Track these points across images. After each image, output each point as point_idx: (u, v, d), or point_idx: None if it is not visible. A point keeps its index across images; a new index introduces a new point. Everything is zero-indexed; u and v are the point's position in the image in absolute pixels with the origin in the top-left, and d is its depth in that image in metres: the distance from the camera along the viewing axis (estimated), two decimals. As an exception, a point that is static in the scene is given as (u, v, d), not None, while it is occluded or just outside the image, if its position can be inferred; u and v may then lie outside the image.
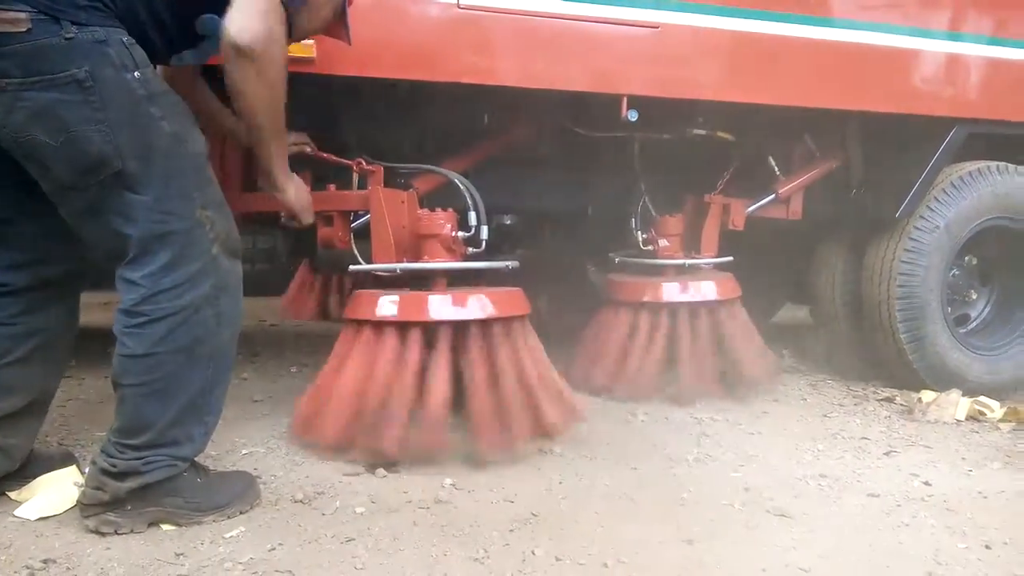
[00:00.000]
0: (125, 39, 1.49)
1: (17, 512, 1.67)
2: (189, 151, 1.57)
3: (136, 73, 1.49)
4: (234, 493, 1.72)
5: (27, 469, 1.76)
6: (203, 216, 1.58)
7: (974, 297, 3.19)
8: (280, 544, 1.58)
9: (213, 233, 1.60)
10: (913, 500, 1.93)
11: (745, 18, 2.50)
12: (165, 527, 1.62)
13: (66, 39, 1.41)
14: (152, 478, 1.58)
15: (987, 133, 2.94)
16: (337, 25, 1.83)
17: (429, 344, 2.07)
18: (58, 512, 1.68)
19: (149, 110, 1.50)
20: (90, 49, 1.44)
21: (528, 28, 2.30)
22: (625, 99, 2.42)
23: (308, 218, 2.00)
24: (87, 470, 1.65)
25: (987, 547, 1.68)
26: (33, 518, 1.65)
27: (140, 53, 1.51)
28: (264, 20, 1.51)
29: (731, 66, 2.53)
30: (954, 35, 2.76)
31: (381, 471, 1.98)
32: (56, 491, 1.72)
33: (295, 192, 1.89)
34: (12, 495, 1.74)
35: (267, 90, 1.57)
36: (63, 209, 1.55)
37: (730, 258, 2.94)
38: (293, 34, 1.66)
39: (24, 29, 1.38)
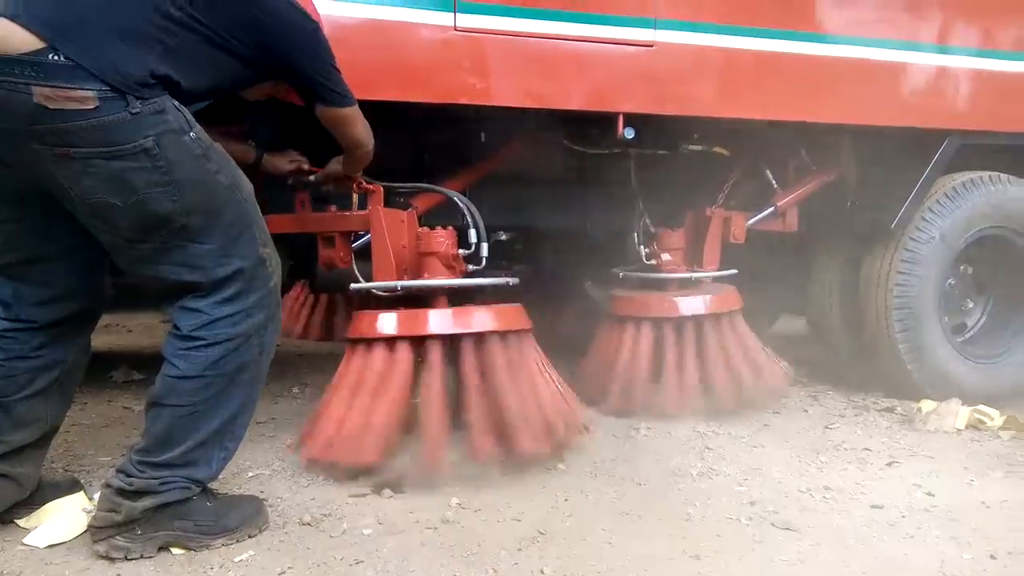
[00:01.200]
0: (176, 103, 1.55)
1: (26, 540, 1.67)
2: (243, 196, 1.65)
3: (192, 134, 1.56)
4: (243, 517, 1.72)
5: (35, 496, 1.76)
6: (265, 253, 1.67)
7: (970, 306, 3.22)
8: (289, 567, 1.59)
9: (271, 267, 1.69)
10: (917, 511, 1.94)
11: (738, 35, 2.53)
12: (175, 551, 1.63)
13: (132, 114, 1.46)
14: (166, 498, 1.60)
15: (979, 144, 2.97)
16: None
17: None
18: (67, 539, 1.68)
19: (207, 166, 1.58)
20: (154, 119, 1.49)
21: (524, 48, 2.32)
22: (622, 117, 2.45)
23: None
24: (99, 493, 1.66)
25: (992, 557, 1.69)
26: (42, 546, 1.65)
27: (188, 113, 1.57)
28: (368, 126, 1.98)
29: (725, 83, 2.56)
30: (945, 48, 2.79)
31: (387, 492, 1.98)
32: (64, 518, 1.73)
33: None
34: (20, 523, 1.74)
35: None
36: (121, 259, 1.62)
37: (735, 271, 2.95)
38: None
39: (92, 107, 1.43)
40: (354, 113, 1.91)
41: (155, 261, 1.58)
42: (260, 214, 1.70)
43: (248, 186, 1.69)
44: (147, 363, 3.23)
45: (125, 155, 1.47)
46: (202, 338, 1.60)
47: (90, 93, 1.42)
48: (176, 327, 1.63)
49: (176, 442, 1.61)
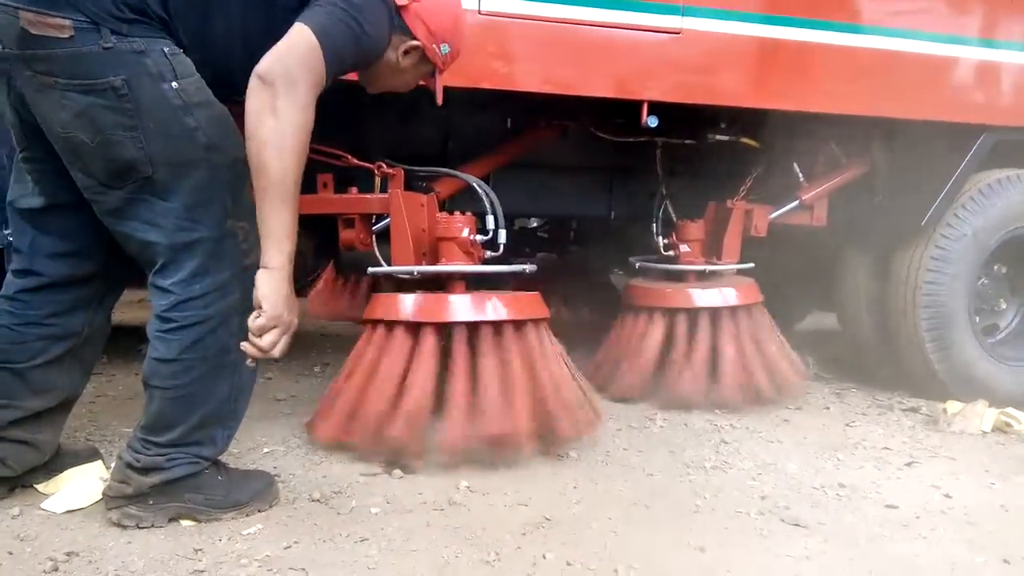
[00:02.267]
0: (167, 49, 1.51)
1: (44, 505, 1.71)
2: (224, 162, 1.58)
3: (174, 84, 1.51)
4: (253, 491, 1.75)
5: (54, 463, 1.80)
6: (235, 226, 1.60)
7: (1003, 307, 3.14)
8: (296, 542, 1.61)
9: (247, 244, 1.61)
10: (932, 512, 1.91)
11: (768, 24, 2.49)
12: (185, 523, 1.66)
13: (104, 48, 1.45)
14: (174, 474, 1.62)
15: (1016, 140, 2.89)
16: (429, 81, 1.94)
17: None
18: (83, 506, 1.72)
19: (184, 120, 1.52)
20: (127, 59, 1.47)
21: (549, 34, 2.31)
22: (646, 105, 2.42)
23: (267, 336, 1.53)
24: (113, 464, 1.70)
25: (1006, 561, 1.66)
26: (59, 511, 1.70)
27: (184, 64, 1.53)
28: (298, 64, 1.51)
29: (754, 72, 2.52)
30: (982, 42, 2.72)
31: (398, 472, 2.00)
32: (82, 485, 1.77)
33: (273, 286, 1.52)
34: (39, 487, 1.79)
35: (276, 132, 1.48)
36: (96, 207, 1.59)
37: (751, 264, 2.92)
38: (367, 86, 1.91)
39: (67, 36, 1.43)
40: (311, 48, 1.52)
41: (123, 215, 1.55)
42: (242, 186, 1.60)
43: (236, 154, 1.56)
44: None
45: (95, 90, 1.46)
46: (174, 320, 1.57)
47: (66, 22, 1.42)
48: (154, 307, 1.60)
49: (172, 424, 1.61)
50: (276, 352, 1.54)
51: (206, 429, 1.65)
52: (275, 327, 1.53)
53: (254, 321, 1.52)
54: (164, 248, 1.56)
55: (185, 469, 1.63)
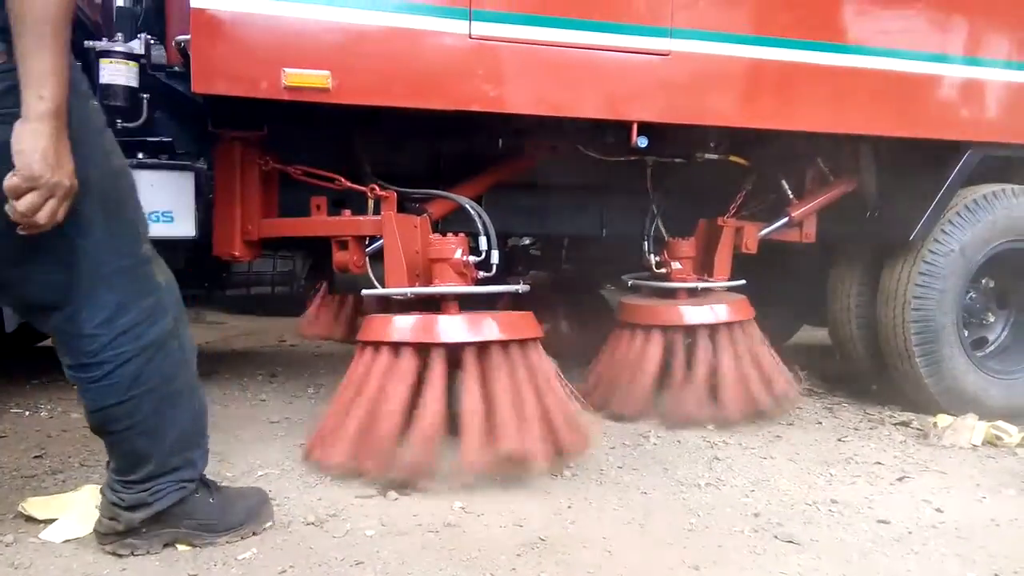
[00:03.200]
0: (79, 64, 1.40)
1: (42, 535, 1.69)
2: (129, 184, 1.51)
3: (93, 102, 1.42)
4: (247, 511, 1.74)
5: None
6: (149, 251, 1.54)
7: (991, 320, 3.18)
8: (291, 567, 1.61)
9: (157, 266, 1.56)
10: (924, 527, 1.92)
11: (755, 45, 2.52)
12: (180, 547, 1.65)
13: None
14: (163, 505, 1.59)
15: (1001, 156, 2.93)
16: None
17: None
18: (84, 534, 1.70)
19: (99, 142, 1.43)
20: None
21: (539, 57, 2.34)
22: (635, 125, 2.45)
23: (25, 199, 1.28)
24: (100, 500, 1.66)
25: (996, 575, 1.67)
26: (59, 540, 1.68)
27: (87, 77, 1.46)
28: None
29: (742, 93, 2.55)
30: (966, 59, 2.76)
31: (393, 494, 2.00)
32: (79, 513, 1.75)
33: (32, 141, 1.27)
34: (26, 507, 1.77)
35: None
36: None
37: (743, 281, 2.94)
38: None
39: (2, 60, 1.29)
40: None
41: (29, 259, 1.38)
42: (143, 211, 1.54)
43: (133, 178, 1.52)
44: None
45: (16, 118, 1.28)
46: (108, 361, 1.46)
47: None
48: (73, 357, 1.47)
49: (145, 459, 1.55)
50: (42, 218, 1.30)
51: (181, 454, 1.61)
52: (32, 188, 1.28)
53: (7, 181, 1.27)
54: (79, 287, 1.43)
55: (173, 497, 1.60)
